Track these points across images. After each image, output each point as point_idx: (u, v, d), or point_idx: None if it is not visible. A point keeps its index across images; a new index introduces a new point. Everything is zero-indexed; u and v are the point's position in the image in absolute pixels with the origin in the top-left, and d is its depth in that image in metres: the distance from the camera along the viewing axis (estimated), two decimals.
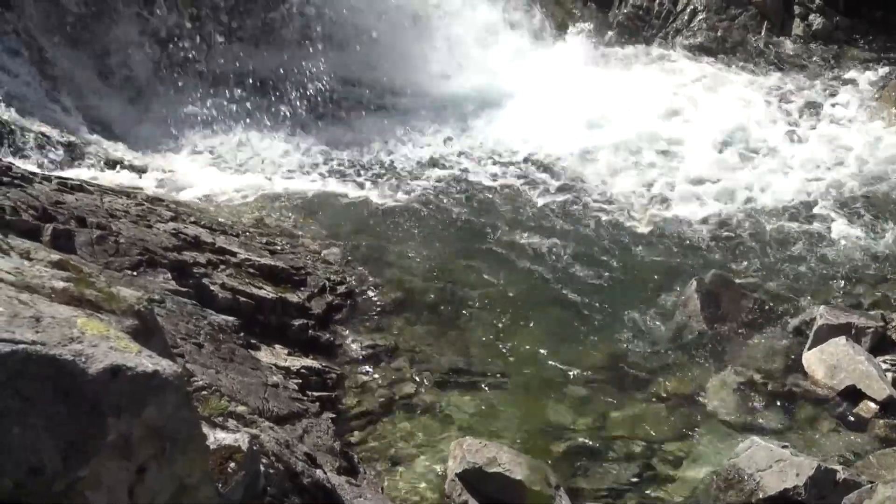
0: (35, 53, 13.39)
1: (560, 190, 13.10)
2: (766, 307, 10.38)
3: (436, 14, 16.68)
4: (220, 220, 10.89)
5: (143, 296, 4.70)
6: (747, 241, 11.98)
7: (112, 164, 12.10)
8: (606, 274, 11.03)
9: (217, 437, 4.58)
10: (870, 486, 7.49)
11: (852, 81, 15.99)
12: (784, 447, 7.89)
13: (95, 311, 4.16)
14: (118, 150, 12.64)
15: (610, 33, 17.07)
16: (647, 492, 8.04)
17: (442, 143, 14.35)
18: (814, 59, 16.52)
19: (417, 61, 15.97)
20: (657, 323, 10.16)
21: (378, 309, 9.98)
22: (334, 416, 8.10)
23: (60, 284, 4.22)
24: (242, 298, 9.00)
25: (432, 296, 10.27)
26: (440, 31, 16.58)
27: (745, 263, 11.44)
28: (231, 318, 8.47)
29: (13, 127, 11.67)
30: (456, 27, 16.63)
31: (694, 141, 14.39)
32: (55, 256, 5.24)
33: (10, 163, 9.99)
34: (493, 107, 15.21)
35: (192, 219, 10.50)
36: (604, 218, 12.42)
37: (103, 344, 3.65)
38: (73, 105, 13.21)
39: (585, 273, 10.99)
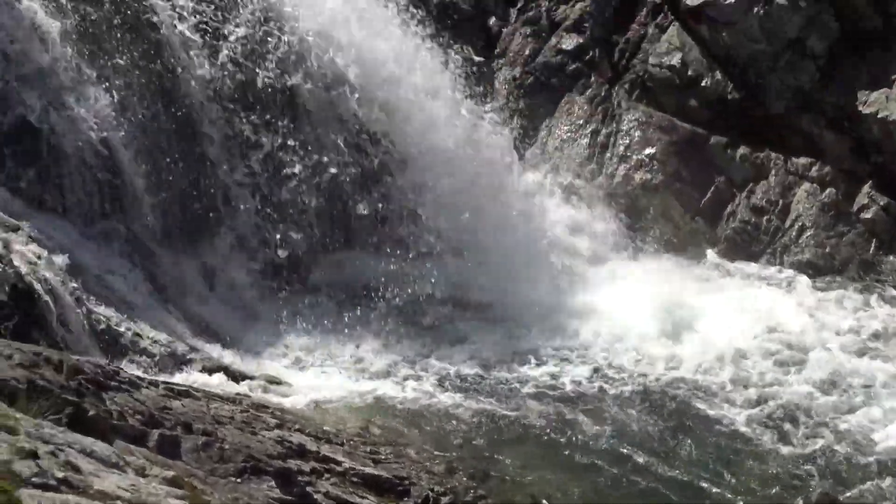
0: (145, 259, 13.63)
1: (679, 405, 12.91)
2: None
3: (546, 234, 16.73)
4: (324, 427, 10.82)
5: None
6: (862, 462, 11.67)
7: (218, 369, 12.14)
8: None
9: None
10: None
11: None
12: None
13: None
14: (224, 355, 12.70)
15: (718, 247, 16.95)
16: None
17: (550, 356, 14.20)
18: None
19: (525, 273, 15.94)
20: None
21: None
22: None
23: (175, 503, 4.14)
24: None
25: None
26: (552, 247, 16.64)
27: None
28: None
29: (122, 331, 11.80)
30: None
31: (809, 361, 14.14)
32: (169, 473, 5.18)
33: (119, 367, 10.04)
34: (605, 321, 15.11)
35: (297, 426, 10.44)
36: (723, 430, 12.18)
37: None
38: (181, 310, 13.36)
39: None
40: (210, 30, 14.83)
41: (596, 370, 14.00)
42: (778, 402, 13.21)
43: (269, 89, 15.07)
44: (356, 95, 15.49)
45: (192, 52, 14.62)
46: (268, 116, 15.00)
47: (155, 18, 14.39)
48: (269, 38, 15.16)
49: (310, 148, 15.24)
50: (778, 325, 15.06)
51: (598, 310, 15.36)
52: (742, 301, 15.69)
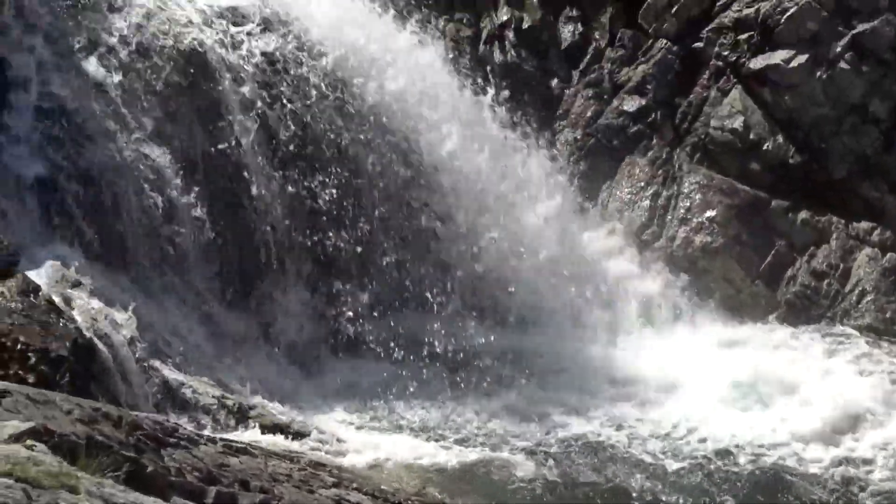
0: (204, 315, 13.71)
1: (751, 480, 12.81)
2: None
3: (605, 295, 16.69)
4: (382, 487, 10.74)
5: None
6: None
7: (276, 427, 12.14)
8: None
9: None
10: None
11: None
12: None
13: None
14: (282, 412, 12.71)
15: (777, 311, 16.85)
16: None
17: (608, 420, 14.12)
18: None
19: (583, 333, 15.89)
20: None
21: None
22: None
23: None
24: None
25: None
26: (611, 308, 16.59)
27: None
28: None
29: (181, 387, 11.83)
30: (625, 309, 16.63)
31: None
32: None
33: (177, 423, 10.04)
34: (666, 385, 15.02)
35: (355, 485, 10.37)
36: None
37: None
38: (239, 367, 13.40)
39: None
40: (269, 94, 14.97)
41: (666, 435, 13.91)
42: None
43: (331, 153, 15.17)
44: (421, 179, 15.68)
45: (250, 114, 14.76)
46: (327, 180, 15.08)
47: (215, 77, 14.56)
48: (330, 108, 15.29)
49: (367, 211, 15.36)
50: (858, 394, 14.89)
51: (658, 373, 15.27)
52: (810, 365, 15.57)
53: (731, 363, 15.49)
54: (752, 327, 16.67)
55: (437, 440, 13.07)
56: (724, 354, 15.83)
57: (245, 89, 14.76)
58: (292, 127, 14.96)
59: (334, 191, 15.11)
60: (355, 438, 12.76)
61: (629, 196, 17.46)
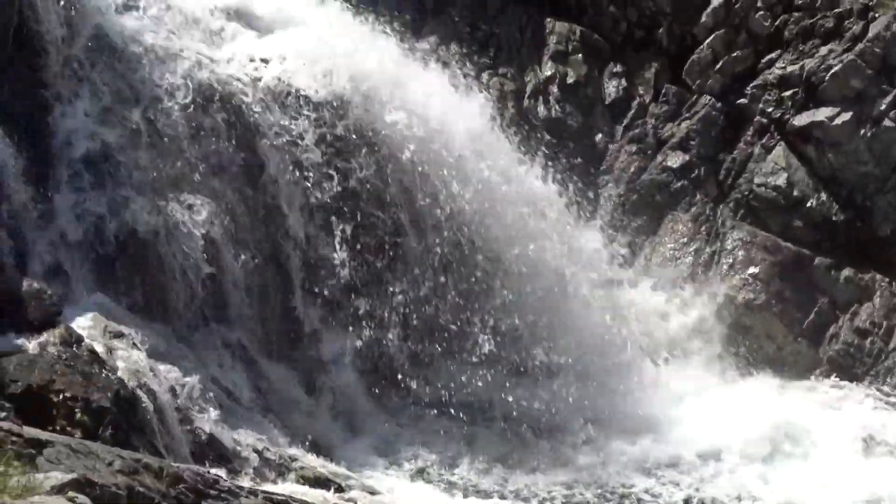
0: (246, 366, 13.70)
1: None
2: None
3: (646, 349, 16.64)
4: None
5: None
6: None
7: (317, 480, 12.10)
8: None
9: None
10: None
11: None
12: None
13: None
14: (324, 465, 12.67)
15: (820, 368, 16.75)
16: None
17: (656, 479, 14.12)
18: None
19: (625, 388, 15.83)
20: None
21: None
22: None
23: None
24: None
25: None
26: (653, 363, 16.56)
27: None
28: None
29: (222, 439, 11.82)
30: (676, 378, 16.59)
31: None
32: None
33: (218, 476, 10.02)
34: (711, 442, 14.93)
35: None
36: None
37: None
38: (281, 419, 13.37)
39: None
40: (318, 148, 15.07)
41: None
42: None
43: (376, 205, 15.26)
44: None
45: (295, 167, 14.84)
46: (370, 241, 15.17)
47: (261, 131, 14.65)
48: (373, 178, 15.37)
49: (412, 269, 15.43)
50: None
51: (703, 430, 15.19)
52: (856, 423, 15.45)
53: (773, 422, 15.36)
54: (794, 384, 16.53)
55: (481, 498, 12.99)
56: (767, 412, 15.68)
57: (291, 144, 14.81)
58: (336, 178, 14.99)
59: (381, 243, 15.17)
60: (397, 492, 12.71)
61: (672, 252, 17.45)
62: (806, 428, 15.26)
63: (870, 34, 16.69)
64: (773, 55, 17.30)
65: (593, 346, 15.97)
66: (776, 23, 17.30)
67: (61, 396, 10.46)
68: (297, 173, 14.77)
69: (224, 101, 14.43)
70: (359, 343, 14.83)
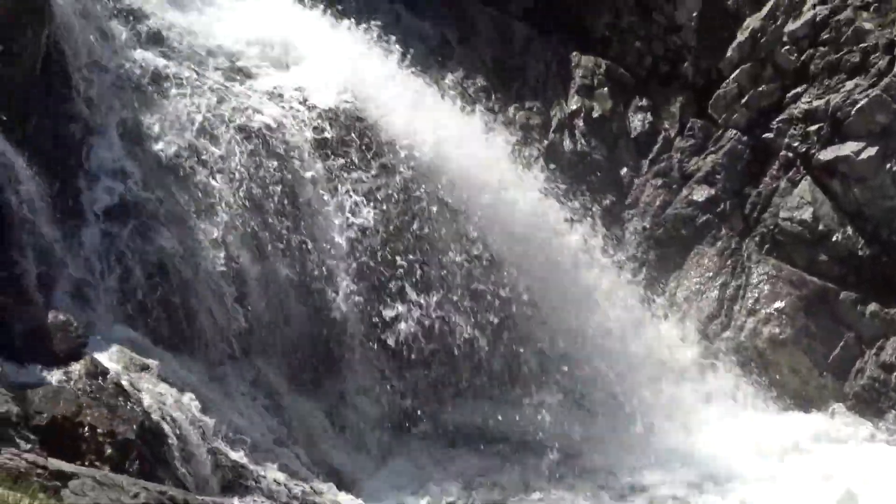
0: (271, 399, 13.70)
1: None
2: None
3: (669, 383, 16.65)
4: None
5: None
6: None
7: None
8: None
9: None
10: None
11: None
12: None
13: None
14: (350, 500, 12.64)
15: (846, 403, 16.70)
16: None
17: None
18: None
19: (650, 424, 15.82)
20: None
21: None
22: None
23: None
24: None
25: None
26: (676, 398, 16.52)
27: None
28: None
29: (247, 472, 11.80)
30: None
31: None
32: None
33: None
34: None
35: None
36: None
37: None
38: (306, 453, 13.35)
39: None
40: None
41: None
42: None
43: (409, 243, 15.32)
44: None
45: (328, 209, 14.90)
46: (402, 266, 15.16)
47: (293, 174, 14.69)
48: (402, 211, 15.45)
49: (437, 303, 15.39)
50: None
51: (728, 467, 15.13)
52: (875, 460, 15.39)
53: (797, 458, 15.34)
54: (818, 419, 16.49)
55: None
56: (791, 448, 15.65)
57: (323, 176, 14.86)
58: (371, 213, 15.03)
59: (409, 275, 15.17)
60: None
61: (697, 286, 17.46)
62: (830, 466, 15.22)
63: (895, 69, 16.70)
64: (798, 90, 17.32)
65: (625, 378, 16.02)
66: (802, 57, 17.32)
67: (86, 428, 10.47)
68: (328, 206, 14.80)
69: (254, 134, 14.46)
70: (387, 375, 14.86)
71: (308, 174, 14.74)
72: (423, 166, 15.56)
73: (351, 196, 14.96)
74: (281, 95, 15.29)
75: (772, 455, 15.48)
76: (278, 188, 14.45)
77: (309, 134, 15.01)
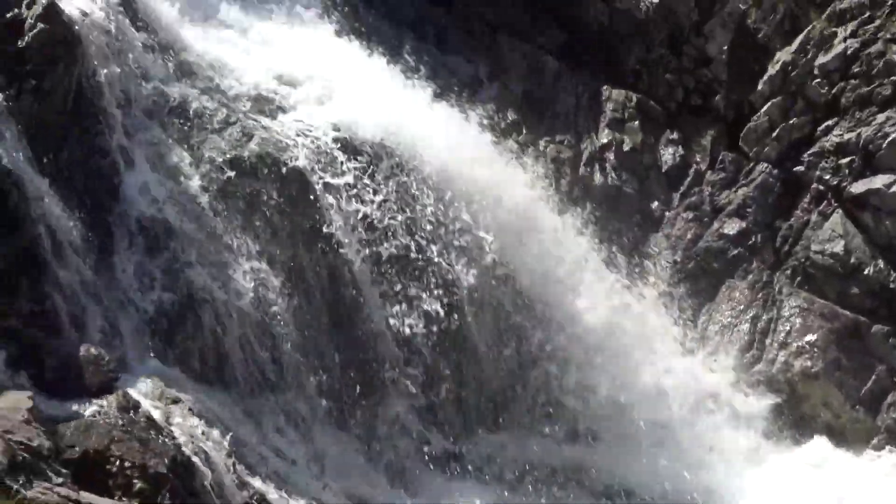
0: (303, 434, 13.70)
1: None
2: None
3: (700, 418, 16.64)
4: None
5: None
6: None
7: None
8: None
9: None
10: None
11: None
12: None
13: None
14: None
15: (878, 437, 16.62)
16: None
17: None
18: None
19: (678, 458, 15.80)
20: None
21: None
22: None
23: None
24: None
25: None
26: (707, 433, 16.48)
27: None
28: None
29: None
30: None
31: None
32: None
33: None
34: None
35: None
36: None
37: None
38: (339, 486, 13.34)
39: None
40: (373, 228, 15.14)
41: None
42: None
43: (433, 278, 15.32)
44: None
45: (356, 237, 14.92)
46: (429, 301, 15.19)
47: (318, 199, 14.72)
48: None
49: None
50: None
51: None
52: None
53: (832, 493, 15.24)
54: (852, 454, 16.42)
55: None
56: (825, 483, 15.56)
57: (350, 212, 14.89)
58: (399, 242, 15.06)
59: (434, 313, 15.19)
60: None
61: (729, 319, 17.44)
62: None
63: None
64: (829, 122, 17.30)
65: (650, 410, 16.01)
66: (833, 90, 17.31)
67: (118, 462, 10.49)
68: (359, 241, 14.82)
69: (282, 168, 14.49)
70: (419, 409, 14.87)
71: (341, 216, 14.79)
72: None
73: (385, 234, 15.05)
74: (315, 130, 15.26)
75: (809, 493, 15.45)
76: (310, 222, 14.48)
77: (340, 168, 15.06)
